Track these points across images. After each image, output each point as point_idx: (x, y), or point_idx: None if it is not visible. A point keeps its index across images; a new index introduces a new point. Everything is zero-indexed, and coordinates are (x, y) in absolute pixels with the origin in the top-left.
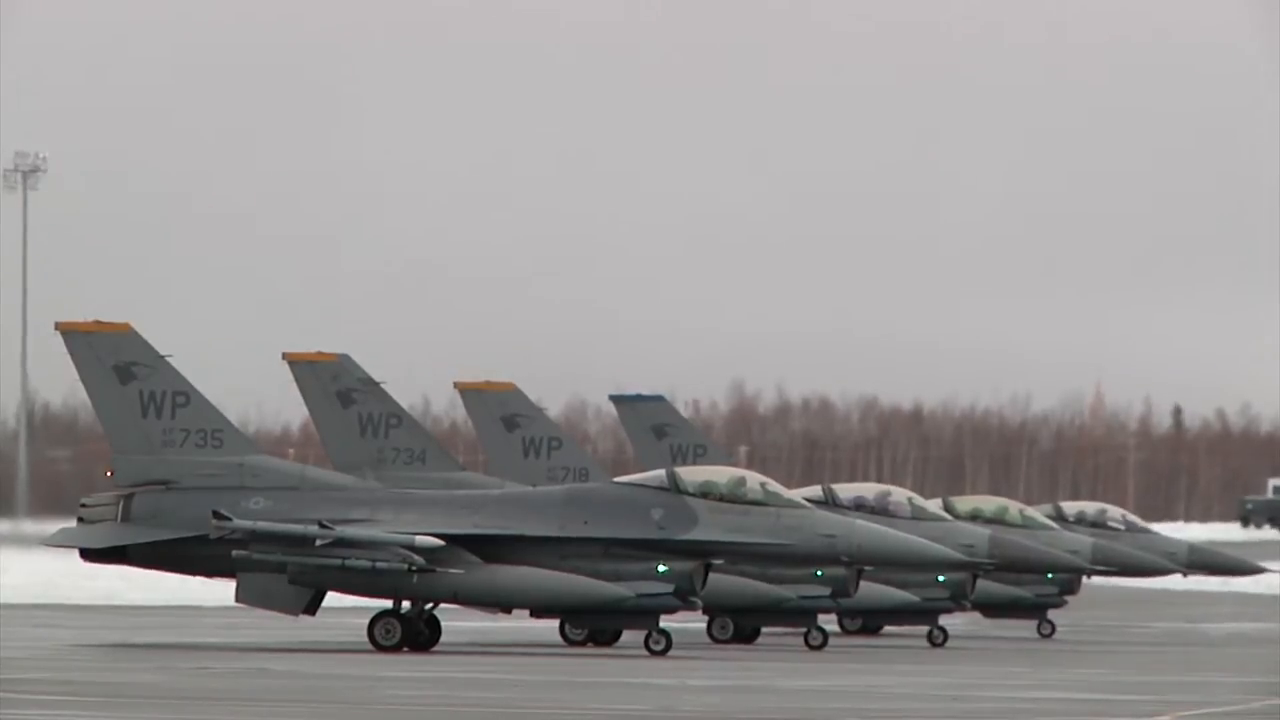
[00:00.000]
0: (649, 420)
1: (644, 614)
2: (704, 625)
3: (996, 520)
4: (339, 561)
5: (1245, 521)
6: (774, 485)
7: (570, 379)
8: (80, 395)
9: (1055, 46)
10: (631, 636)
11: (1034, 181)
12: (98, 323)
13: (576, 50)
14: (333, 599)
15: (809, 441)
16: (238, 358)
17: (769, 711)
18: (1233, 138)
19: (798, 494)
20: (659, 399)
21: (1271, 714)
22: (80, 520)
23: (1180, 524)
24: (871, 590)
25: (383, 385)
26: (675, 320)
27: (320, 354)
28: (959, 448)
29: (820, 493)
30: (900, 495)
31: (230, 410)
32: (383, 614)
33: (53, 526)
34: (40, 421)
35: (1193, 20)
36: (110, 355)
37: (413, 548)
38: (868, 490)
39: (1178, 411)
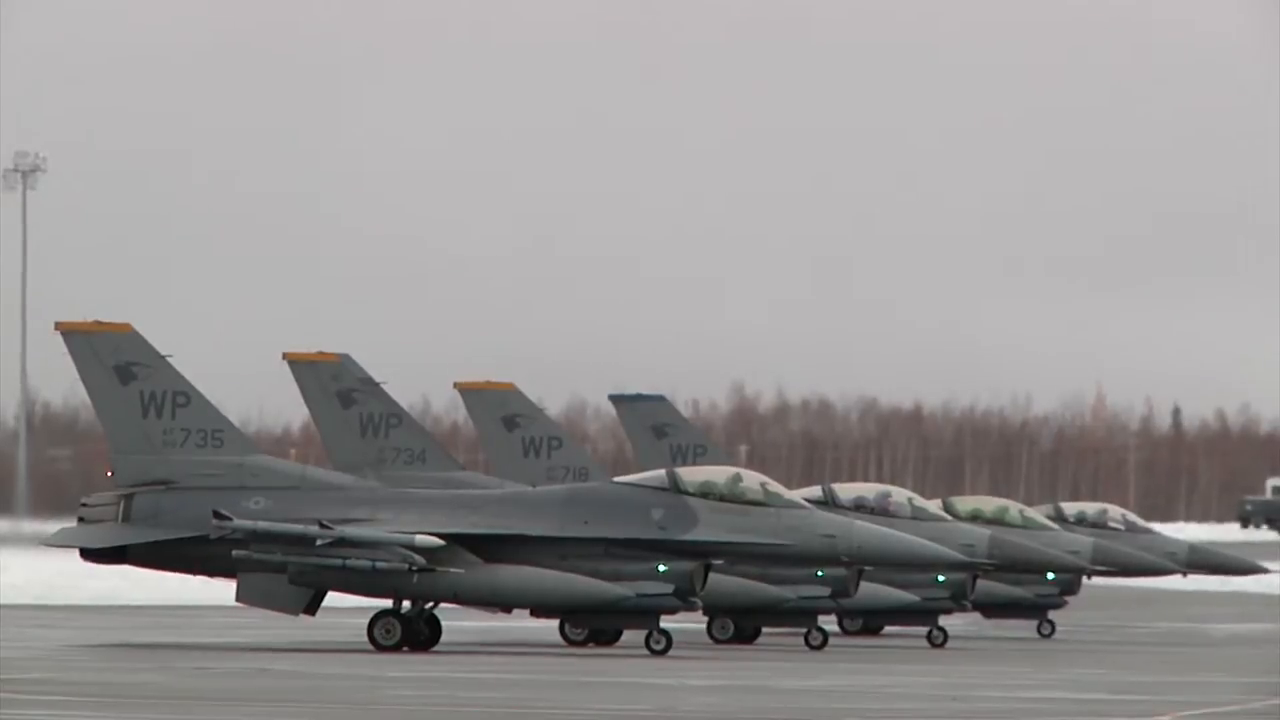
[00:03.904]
0: (649, 420)
1: (644, 614)
2: (704, 625)
3: (996, 521)
4: (339, 561)
5: (1245, 522)
6: (774, 485)
7: (570, 379)
8: (80, 395)
9: (1055, 48)
10: (631, 636)
11: (1035, 181)
12: (98, 323)
13: (577, 50)
14: (333, 599)
15: (809, 441)
16: (238, 358)
17: (769, 711)
18: (1233, 138)
19: (798, 494)
20: (659, 399)
21: (1271, 714)
22: (80, 520)
23: (1180, 524)
24: (871, 590)
25: (383, 385)
26: (675, 320)
27: (320, 354)
28: (959, 448)
29: (820, 493)
30: (900, 495)
31: (230, 410)
32: (383, 614)
33: (53, 526)
34: (40, 421)
35: (1194, 20)
36: (110, 355)
37: (413, 547)
38: (868, 490)
39: (1177, 412)
